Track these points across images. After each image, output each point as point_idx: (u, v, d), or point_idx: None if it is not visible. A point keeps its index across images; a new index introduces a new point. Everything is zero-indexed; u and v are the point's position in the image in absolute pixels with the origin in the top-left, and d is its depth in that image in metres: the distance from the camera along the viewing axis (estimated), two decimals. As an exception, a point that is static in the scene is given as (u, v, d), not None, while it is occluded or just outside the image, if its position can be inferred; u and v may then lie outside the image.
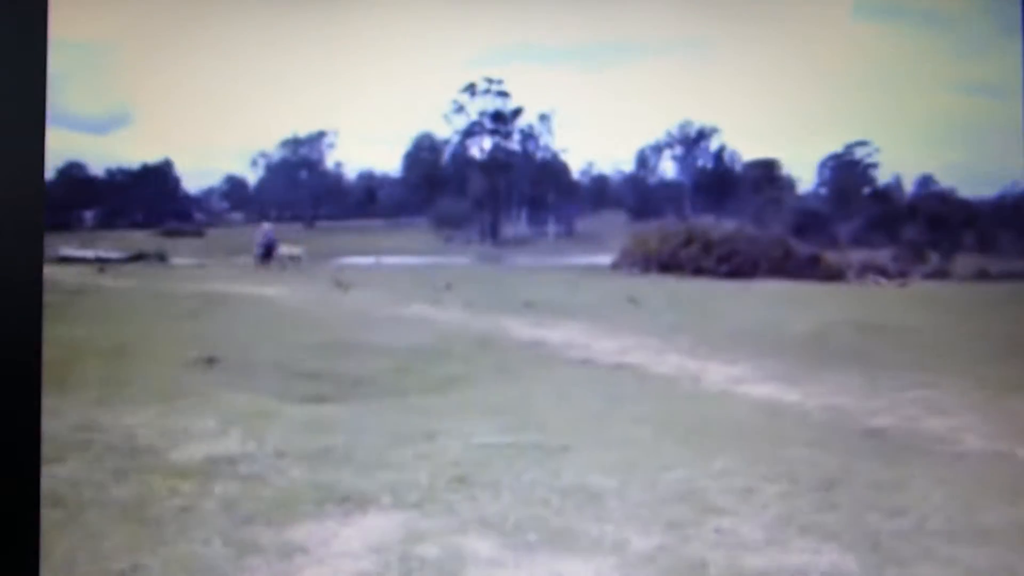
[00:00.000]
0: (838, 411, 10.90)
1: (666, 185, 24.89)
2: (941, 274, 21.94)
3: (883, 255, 22.52)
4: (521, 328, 15.26)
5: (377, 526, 7.64)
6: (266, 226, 22.08)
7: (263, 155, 22.91)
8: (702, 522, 7.74)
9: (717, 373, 12.67)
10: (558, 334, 14.75)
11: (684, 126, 24.47)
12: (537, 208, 25.28)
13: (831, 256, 22.03)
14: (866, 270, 21.83)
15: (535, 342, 14.38)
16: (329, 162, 23.65)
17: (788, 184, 24.68)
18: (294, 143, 23.30)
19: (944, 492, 8.33)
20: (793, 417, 10.66)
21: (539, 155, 24.25)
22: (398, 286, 19.58)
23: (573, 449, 9.44)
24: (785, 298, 18.26)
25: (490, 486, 8.47)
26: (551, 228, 25.42)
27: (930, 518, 7.81)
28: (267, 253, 21.68)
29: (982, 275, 21.44)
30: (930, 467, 9.01)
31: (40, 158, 5.45)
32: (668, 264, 20.97)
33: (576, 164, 24.64)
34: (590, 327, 15.34)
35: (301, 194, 23.38)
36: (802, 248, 21.89)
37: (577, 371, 12.79)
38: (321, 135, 23.33)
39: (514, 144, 23.98)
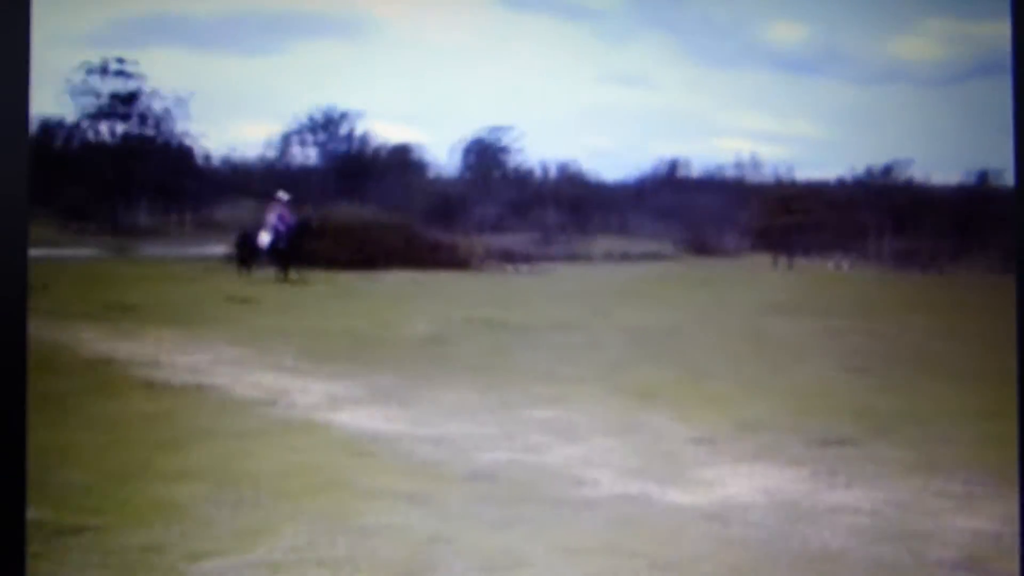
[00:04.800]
0: (447, 444, 8.15)
1: (305, 171, 22.30)
2: (580, 257, 20.31)
3: (520, 240, 20.60)
4: (93, 340, 11.83)
5: None
6: (283, 197, 16.62)
7: None
8: None
9: (313, 393, 9.74)
10: (130, 346, 11.42)
11: (326, 110, 21.96)
12: (171, 196, 22.29)
13: (464, 242, 19.79)
14: (500, 256, 19.74)
15: (100, 360, 11.00)
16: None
17: (428, 168, 22.62)
18: None
19: (572, 576, 5.72)
20: (390, 457, 7.82)
21: (174, 140, 21.11)
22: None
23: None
24: (410, 291, 15.60)
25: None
26: (187, 217, 22.48)
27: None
28: (283, 249, 16.35)
29: (624, 257, 20.08)
30: (554, 529, 6.38)
31: (23, 151, 4.89)
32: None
33: (214, 150, 21.64)
34: (176, 335, 12.11)
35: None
36: (431, 234, 19.52)
37: (135, 400, 9.50)
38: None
39: (147, 129, 20.75)
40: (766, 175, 21.40)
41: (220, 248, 19.30)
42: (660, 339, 12.03)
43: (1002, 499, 6.68)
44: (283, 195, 16.97)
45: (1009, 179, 17.22)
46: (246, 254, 16.15)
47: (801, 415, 8.74)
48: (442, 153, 22.38)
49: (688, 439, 8.08)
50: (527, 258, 19.44)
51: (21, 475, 4.94)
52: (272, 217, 16.52)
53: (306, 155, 22.03)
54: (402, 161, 22.56)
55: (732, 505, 6.66)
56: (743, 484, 7.04)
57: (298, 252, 16.48)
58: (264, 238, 16.63)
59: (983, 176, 20.12)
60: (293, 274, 16.21)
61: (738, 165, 21.51)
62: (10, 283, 4.88)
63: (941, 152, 18.61)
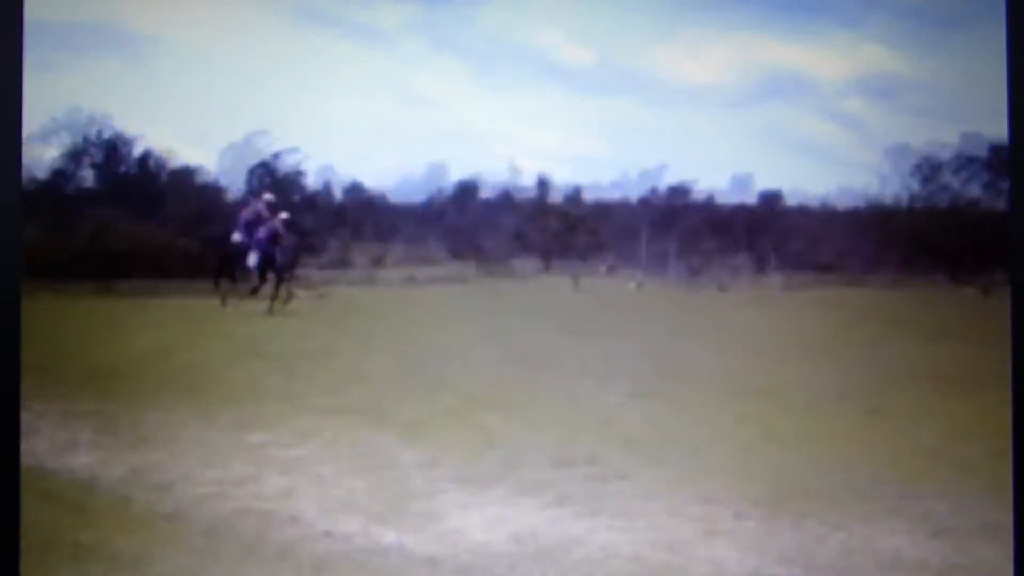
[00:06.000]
0: (176, 492, 7.04)
1: (85, 194, 20.72)
2: (369, 281, 19.39)
3: (308, 263, 19.54)
4: None
5: None
6: (267, 197, 14.02)
7: None
8: None
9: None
10: None
11: (104, 131, 20.45)
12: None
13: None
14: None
15: None
16: None
17: (215, 191, 21.35)
18: None
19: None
20: (105, 506, 6.68)
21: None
22: None
23: None
24: (178, 318, 14.28)
25: None
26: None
27: None
28: (265, 262, 14.30)
29: (415, 280, 19.22)
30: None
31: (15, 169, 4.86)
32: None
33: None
34: None
35: None
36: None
37: None
38: None
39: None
40: (559, 195, 20.87)
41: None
42: (437, 366, 11.12)
43: (772, 534, 5.98)
44: (268, 196, 15.26)
45: (790, 198, 16.94)
46: (225, 265, 14.19)
47: (570, 446, 7.92)
48: (232, 175, 21.23)
49: (443, 477, 7.16)
50: (309, 283, 18.45)
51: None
52: (245, 217, 14.62)
53: (86, 176, 20.57)
54: (189, 183, 21.26)
55: (483, 554, 5.76)
56: (497, 529, 6.14)
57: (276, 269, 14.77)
58: (252, 259, 14.92)
59: (770, 195, 20.01)
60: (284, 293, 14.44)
61: (532, 185, 20.94)
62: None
63: (729, 172, 18.41)
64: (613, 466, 7.33)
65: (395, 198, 20.92)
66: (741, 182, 19.47)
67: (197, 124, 17.26)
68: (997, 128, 17.28)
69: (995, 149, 18.52)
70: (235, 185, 20.83)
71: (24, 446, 8.17)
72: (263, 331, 13.16)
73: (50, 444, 8.27)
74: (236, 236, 14.82)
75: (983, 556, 5.56)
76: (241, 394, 9.72)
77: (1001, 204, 18.60)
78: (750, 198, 19.97)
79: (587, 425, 8.68)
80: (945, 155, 18.88)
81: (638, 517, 6.29)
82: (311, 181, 20.66)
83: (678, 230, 19.81)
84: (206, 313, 14.74)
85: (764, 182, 19.34)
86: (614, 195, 20.54)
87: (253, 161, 20.45)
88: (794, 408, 9.31)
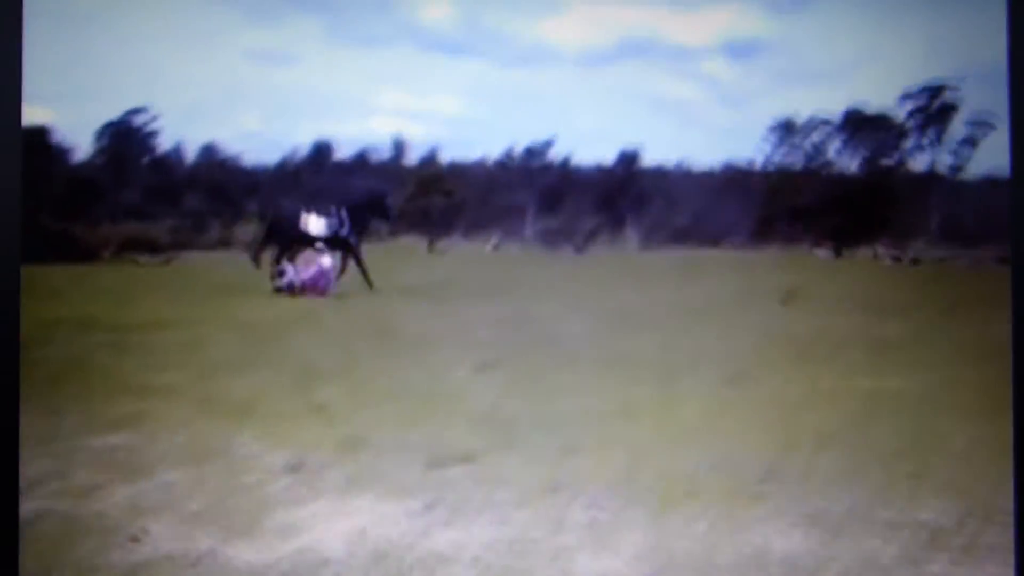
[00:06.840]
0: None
1: None
2: (223, 244, 18.47)
3: (160, 227, 18.45)
4: None
5: None
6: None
7: None
8: None
9: None
10: None
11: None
12: None
13: (93, 232, 17.48)
14: (134, 247, 17.54)
15: None
16: None
17: (61, 153, 20.00)
18: None
19: None
20: None
21: None
22: None
23: None
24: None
25: None
26: None
27: None
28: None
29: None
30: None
31: (17, 157, 4.75)
32: None
33: None
34: None
35: None
36: (57, 225, 17.09)
37: None
38: None
39: None
40: (416, 156, 20.09)
41: None
42: (276, 336, 10.29)
43: (626, 527, 5.32)
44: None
45: (647, 159, 16.42)
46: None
47: (416, 426, 7.18)
48: (78, 136, 20.02)
49: (276, 467, 6.36)
50: (164, 247, 17.40)
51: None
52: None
53: None
54: (37, 144, 19.93)
55: (312, 562, 4.99)
56: (332, 528, 5.36)
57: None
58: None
59: (627, 156, 19.51)
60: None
61: (389, 145, 20.11)
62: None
63: (587, 132, 17.92)
64: (460, 448, 6.60)
65: (250, 158, 19.92)
66: (599, 143, 18.95)
67: (47, 86, 16.06)
68: (853, 91, 16.97)
69: (848, 112, 18.36)
70: (82, 146, 19.57)
71: None
72: (101, 302, 12.12)
73: None
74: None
75: (863, 547, 4.98)
76: (64, 372, 8.77)
77: (849, 165, 18.47)
78: (608, 159, 19.51)
79: (430, 402, 7.95)
80: (801, 117, 18.66)
81: (481, 511, 5.56)
82: (166, 142, 19.52)
83: (535, 191, 19.21)
84: (37, 284, 13.60)
85: (623, 143, 18.89)
86: (471, 156, 19.88)
87: (105, 123, 19.24)
88: (650, 379, 8.71)
